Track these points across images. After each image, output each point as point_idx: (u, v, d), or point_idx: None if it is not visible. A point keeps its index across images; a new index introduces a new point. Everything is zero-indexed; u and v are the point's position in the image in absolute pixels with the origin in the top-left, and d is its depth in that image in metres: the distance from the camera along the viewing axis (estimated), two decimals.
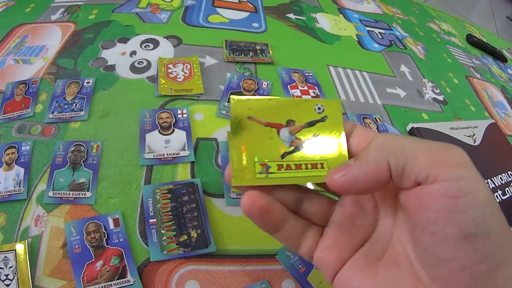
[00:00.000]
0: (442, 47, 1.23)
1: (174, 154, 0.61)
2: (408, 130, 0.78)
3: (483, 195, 0.22)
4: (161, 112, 0.66)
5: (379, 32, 1.12)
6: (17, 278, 0.47)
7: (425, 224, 0.23)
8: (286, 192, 0.30)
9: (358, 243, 0.29)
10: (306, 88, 0.79)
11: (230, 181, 0.28)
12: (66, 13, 0.89)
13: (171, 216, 0.54)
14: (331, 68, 0.88)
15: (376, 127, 0.75)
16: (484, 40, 1.44)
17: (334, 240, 0.29)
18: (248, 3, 1.04)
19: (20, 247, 0.49)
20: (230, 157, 0.28)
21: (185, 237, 0.52)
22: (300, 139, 0.28)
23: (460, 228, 0.22)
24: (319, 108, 0.30)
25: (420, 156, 0.24)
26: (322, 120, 0.29)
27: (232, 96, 0.30)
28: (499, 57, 1.37)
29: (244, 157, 0.28)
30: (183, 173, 0.60)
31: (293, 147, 0.28)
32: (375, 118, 0.77)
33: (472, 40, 1.37)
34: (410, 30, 1.23)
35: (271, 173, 0.28)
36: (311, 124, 0.29)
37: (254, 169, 0.27)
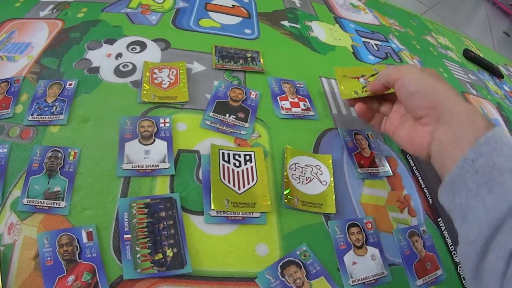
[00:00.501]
0: (439, 61, 1.22)
1: (153, 166, 0.58)
2: (400, 149, 0.77)
3: (418, 77, 0.52)
4: (143, 120, 0.64)
5: (375, 44, 1.10)
6: None
7: (399, 97, 0.56)
8: (372, 102, 0.66)
9: (401, 117, 0.60)
10: (296, 100, 0.76)
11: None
12: (55, 10, 0.86)
13: (147, 233, 0.51)
14: (324, 79, 0.86)
15: (368, 143, 0.73)
16: (481, 55, 1.43)
17: (393, 117, 0.62)
18: (242, 8, 1.02)
19: None
20: (340, 89, 0.72)
21: (160, 255, 0.50)
22: (369, 81, 0.68)
23: (407, 91, 0.53)
24: (375, 69, 0.71)
25: (393, 74, 0.56)
26: (377, 73, 0.66)
27: (334, 67, 0.76)
28: (495, 73, 1.36)
29: (347, 89, 0.70)
30: (161, 187, 0.57)
31: (366, 85, 0.67)
32: (367, 134, 0.75)
33: (469, 55, 1.36)
34: (407, 43, 1.22)
35: (358, 93, 0.66)
36: (372, 75, 0.70)
37: (352, 93, 0.67)
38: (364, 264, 0.57)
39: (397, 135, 0.60)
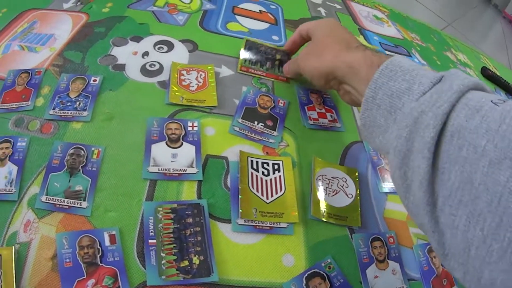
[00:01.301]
0: None
1: (180, 170, 0.57)
2: None
3: (323, 26, 0.63)
4: (170, 122, 0.62)
5: None
6: (1, 286, 0.43)
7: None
8: None
9: None
10: (323, 110, 0.75)
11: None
12: (79, 3, 0.85)
13: (173, 239, 0.50)
14: None
15: None
16: (498, 73, 1.42)
17: None
18: (269, 14, 1.00)
19: (6, 253, 0.45)
20: None
21: (186, 262, 0.48)
22: None
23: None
24: None
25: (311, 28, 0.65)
26: None
27: None
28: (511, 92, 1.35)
29: None
30: (188, 192, 0.56)
31: None
32: None
33: (487, 73, 1.35)
34: (428, 58, 1.20)
35: None
36: None
37: None
38: (385, 278, 0.56)
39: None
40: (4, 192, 0.51)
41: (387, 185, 0.68)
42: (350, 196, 0.63)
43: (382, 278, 0.56)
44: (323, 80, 0.58)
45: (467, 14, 2.06)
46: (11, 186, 0.51)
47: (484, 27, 2.14)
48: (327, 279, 0.53)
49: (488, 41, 1.98)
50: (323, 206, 0.60)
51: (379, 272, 0.56)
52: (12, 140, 0.56)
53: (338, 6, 1.21)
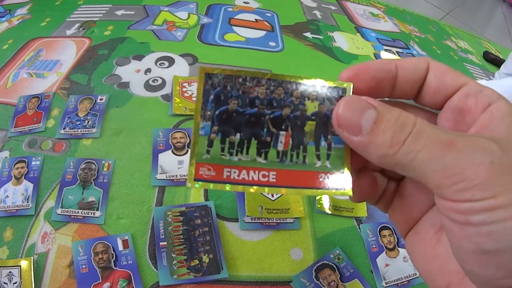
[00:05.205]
0: (460, 65, 1.21)
1: (187, 175, 0.59)
2: None
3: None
4: (175, 132, 0.65)
5: (396, 51, 1.10)
6: None
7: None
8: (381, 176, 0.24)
9: (437, 231, 0.20)
10: None
11: None
12: (81, 29, 0.89)
13: (183, 240, 0.52)
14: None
15: None
16: (501, 56, 1.42)
17: (421, 224, 0.22)
18: (265, 22, 1.03)
19: (25, 264, 0.48)
20: None
21: (197, 261, 0.50)
22: None
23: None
24: None
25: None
26: None
27: None
28: None
29: None
30: (196, 195, 0.58)
31: None
32: None
33: (489, 57, 1.35)
34: (428, 49, 1.21)
35: None
36: None
37: None
38: (396, 266, 0.57)
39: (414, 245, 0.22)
40: (22, 208, 0.54)
41: None
42: None
43: (393, 266, 0.57)
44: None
45: (466, 2, 2.05)
46: (27, 202, 0.54)
47: (485, 14, 2.13)
48: (336, 270, 0.54)
49: (491, 27, 1.97)
50: (327, 200, 0.61)
51: (390, 260, 0.57)
52: (26, 160, 0.59)
53: (333, 7, 1.23)
